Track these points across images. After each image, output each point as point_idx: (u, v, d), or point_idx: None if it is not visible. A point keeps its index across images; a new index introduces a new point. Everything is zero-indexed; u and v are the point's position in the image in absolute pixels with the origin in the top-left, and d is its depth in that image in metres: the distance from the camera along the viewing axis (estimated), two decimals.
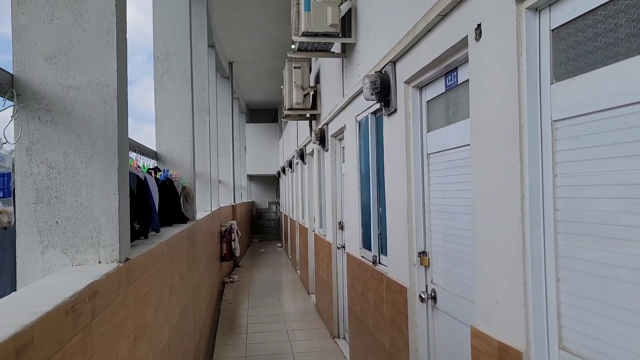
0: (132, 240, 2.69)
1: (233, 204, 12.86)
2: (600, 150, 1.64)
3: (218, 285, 9.44)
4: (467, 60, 2.41)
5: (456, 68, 2.74)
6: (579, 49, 1.72)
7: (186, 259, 4.25)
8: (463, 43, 2.45)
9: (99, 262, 1.95)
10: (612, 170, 1.58)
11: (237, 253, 10.62)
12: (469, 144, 2.46)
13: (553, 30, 1.85)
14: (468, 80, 2.41)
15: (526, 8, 1.91)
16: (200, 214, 6.19)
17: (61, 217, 1.92)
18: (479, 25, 2.24)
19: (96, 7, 1.89)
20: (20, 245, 1.89)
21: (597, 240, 1.65)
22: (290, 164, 13.06)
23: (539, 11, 1.90)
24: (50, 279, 1.67)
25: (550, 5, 1.85)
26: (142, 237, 3.01)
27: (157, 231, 3.34)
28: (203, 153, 7.15)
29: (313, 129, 7.66)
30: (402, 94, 3.36)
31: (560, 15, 1.80)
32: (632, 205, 1.50)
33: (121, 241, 2.01)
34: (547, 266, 1.90)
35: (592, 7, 1.64)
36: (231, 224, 10.28)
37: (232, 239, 10.20)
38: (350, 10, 4.74)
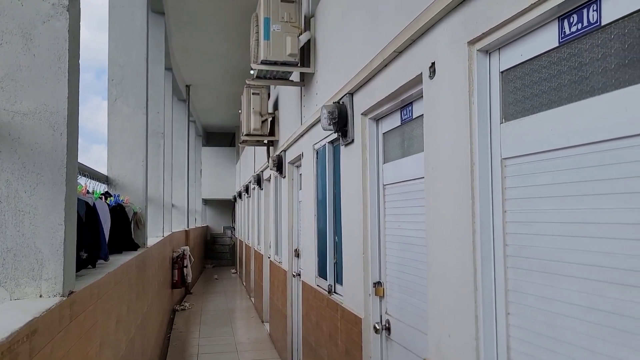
0: (78, 270, 2.58)
1: (186, 228, 12.58)
2: (546, 189, 1.70)
3: (168, 313, 9.14)
4: (422, 96, 2.48)
5: (411, 103, 2.81)
6: (526, 92, 1.80)
7: (135, 288, 4.10)
8: (418, 80, 2.52)
9: (40, 295, 1.85)
10: (557, 209, 1.65)
11: (189, 279, 10.35)
12: (423, 177, 2.50)
13: (502, 72, 1.93)
14: (422, 115, 2.48)
15: (477, 50, 1.99)
16: (151, 240, 6.01)
17: (0, 249, 1.82)
18: (433, 63, 2.31)
19: (48, 32, 1.84)
20: None
21: (545, 275, 1.70)
22: (246, 189, 12.96)
23: (489, 53, 1.99)
24: None
25: (499, 48, 1.93)
26: (90, 267, 2.89)
27: (106, 260, 3.21)
28: (156, 177, 7.00)
29: (270, 155, 7.65)
30: (359, 125, 3.41)
31: (509, 59, 1.89)
32: (576, 243, 1.56)
33: (65, 273, 1.91)
34: (497, 300, 1.94)
35: (537, 54, 1.73)
36: (183, 250, 10.05)
37: (184, 265, 9.95)
38: (309, 40, 4.81)
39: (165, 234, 7.83)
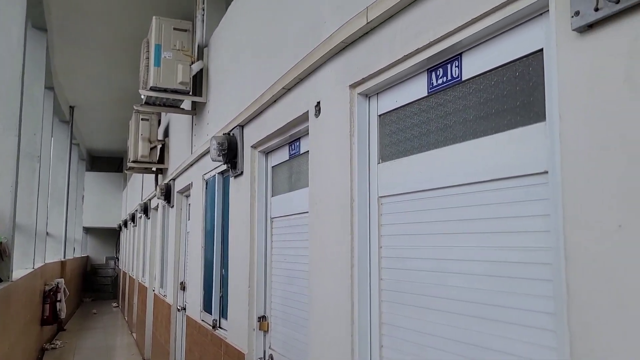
0: None
1: (62, 259, 11.60)
2: (416, 227, 1.82)
3: (36, 353, 8.28)
4: (308, 133, 2.55)
5: (299, 138, 2.89)
6: (400, 135, 1.94)
7: None
8: (305, 117, 2.60)
9: None
10: (425, 246, 1.77)
11: (63, 315, 9.50)
12: (308, 212, 2.56)
13: (380, 115, 2.06)
14: (308, 151, 2.55)
15: (358, 93, 2.11)
16: (18, 272, 5.46)
17: None
18: (319, 103, 2.40)
19: None
20: None
21: (416, 309, 1.80)
22: (133, 218, 12.30)
23: (369, 97, 2.11)
24: None
25: (377, 93, 2.06)
26: None
27: None
28: (29, 204, 6.42)
29: (159, 183, 7.37)
30: (249, 157, 3.42)
31: (386, 104, 2.02)
32: (440, 278, 1.68)
33: None
34: (372, 333, 2.01)
35: (410, 101, 1.88)
36: (58, 282, 9.24)
37: (58, 299, 9.14)
38: (202, 70, 4.77)
39: (37, 266, 7.15)
